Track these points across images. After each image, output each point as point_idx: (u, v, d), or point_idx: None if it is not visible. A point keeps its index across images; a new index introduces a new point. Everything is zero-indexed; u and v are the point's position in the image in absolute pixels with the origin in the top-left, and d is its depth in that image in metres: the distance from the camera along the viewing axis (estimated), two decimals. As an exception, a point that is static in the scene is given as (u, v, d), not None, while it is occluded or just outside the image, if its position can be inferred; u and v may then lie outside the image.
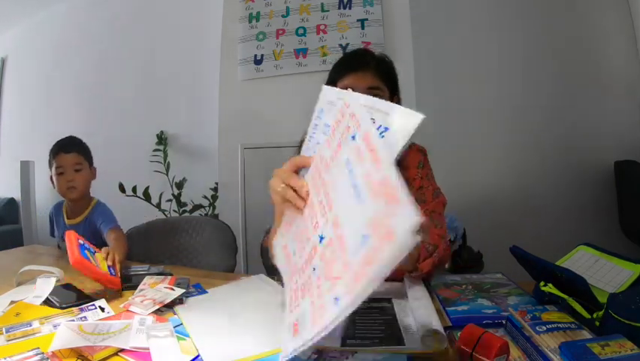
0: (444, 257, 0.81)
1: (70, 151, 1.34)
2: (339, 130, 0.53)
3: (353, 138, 0.48)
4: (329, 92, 0.60)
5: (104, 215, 1.33)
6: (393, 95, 0.95)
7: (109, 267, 0.95)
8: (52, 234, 1.50)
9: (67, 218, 1.42)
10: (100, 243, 1.35)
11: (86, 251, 0.92)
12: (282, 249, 0.61)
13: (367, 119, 0.48)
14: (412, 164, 0.94)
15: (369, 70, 0.91)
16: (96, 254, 0.96)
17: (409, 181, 0.94)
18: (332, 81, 0.94)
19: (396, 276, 0.90)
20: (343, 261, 0.42)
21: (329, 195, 0.50)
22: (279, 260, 0.62)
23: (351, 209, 0.44)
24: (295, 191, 0.58)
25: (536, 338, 0.55)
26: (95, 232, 1.35)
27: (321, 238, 0.49)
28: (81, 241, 0.94)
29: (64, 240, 1.40)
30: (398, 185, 0.39)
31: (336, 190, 0.48)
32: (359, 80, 0.89)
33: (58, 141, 1.40)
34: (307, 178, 0.58)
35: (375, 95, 0.89)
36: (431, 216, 0.88)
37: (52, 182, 1.39)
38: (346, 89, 0.88)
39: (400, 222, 0.37)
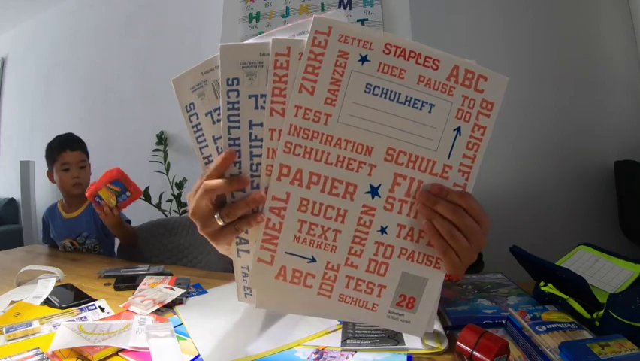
0: None
1: (76, 149, 1.40)
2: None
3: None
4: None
5: None
6: None
7: (99, 196, 1.19)
8: (45, 240, 1.52)
9: (66, 212, 1.45)
10: (102, 233, 1.40)
11: (110, 187, 1.19)
12: (279, 273, 0.45)
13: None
14: None
15: None
16: (108, 195, 1.19)
17: None
18: None
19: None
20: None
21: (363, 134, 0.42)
22: (279, 285, 0.46)
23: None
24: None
25: (536, 338, 0.55)
26: (97, 222, 1.39)
27: (375, 190, 0.43)
28: (114, 185, 1.19)
29: (60, 239, 1.43)
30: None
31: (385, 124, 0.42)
32: None
33: (59, 138, 1.44)
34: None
35: None
36: None
37: (52, 178, 1.42)
38: None
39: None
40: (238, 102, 0.44)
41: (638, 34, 1.82)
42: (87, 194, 1.21)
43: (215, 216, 0.45)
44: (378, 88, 0.41)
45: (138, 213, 1.80)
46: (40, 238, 1.57)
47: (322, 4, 1.88)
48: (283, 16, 1.92)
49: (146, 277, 0.95)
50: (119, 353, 0.60)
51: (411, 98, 0.41)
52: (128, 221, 1.45)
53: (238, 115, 0.44)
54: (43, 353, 0.58)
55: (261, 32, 1.58)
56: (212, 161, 0.47)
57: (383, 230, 0.44)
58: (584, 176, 1.84)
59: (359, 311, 0.46)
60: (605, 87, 1.85)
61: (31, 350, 0.59)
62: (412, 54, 0.41)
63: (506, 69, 1.65)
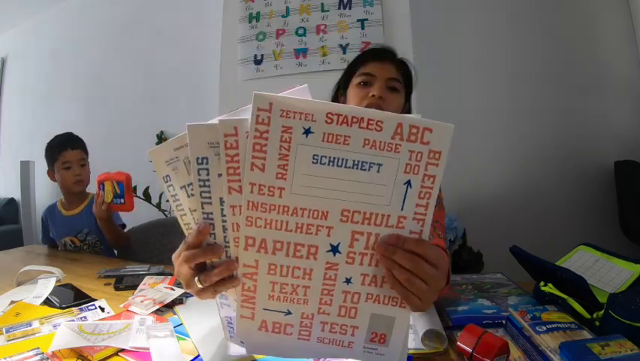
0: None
1: (76, 147, 1.43)
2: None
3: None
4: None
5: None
6: (406, 101, 0.94)
7: (102, 184, 1.27)
8: (45, 240, 1.52)
9: (66, 210, 1.47)
10: (101, 234, 1.41)
11: (114, 184, 1.27)
12: (261, 325, 0.49)
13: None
14: None
15: (393, 62, 0.90)
16: (109, 190, 1.27)
17: None
18: (353, 67, 0.93)
19: None
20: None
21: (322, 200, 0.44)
22: (263, 339, 0.50)
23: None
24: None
25: (536, 338, 0.55)
26: (92, 223, 1.41)
27: (336, 248, 0.45)
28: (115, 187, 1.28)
29: (60, 239, 1.42)
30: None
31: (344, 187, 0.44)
32: (382, 69, 0.88)
33: (59, 137, 1.46)
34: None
35: (392, 88, 0.87)
36: (434, 226, 0.84)
37: (53, 176, 1.44)
38: (368, 75, 0.87)
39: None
40: (209, 180, 0.46)
41: (638, 34, 1.82)
42: (97, 178, 1.29)
43: (195, 279, 0.49)
44: (325, 157, 0.42)
45: (138, 214, 1.79)
46: (40, 239, 1.57)
47: (322, 4, 1.88)
48: (283, 16, 1.92)
49: (146, 277, 0.95)
50: (119, 353, 0.60)
51: (358, 161, 0.42)
52: (123, 225, 1.47)
53: (209, 192, 0.47)
54: (43, 353, 0.58)
55: (261, 33, 1.57)
56: (191, 228, 0.50)
57: (348, 280, 0.47)
58: (584, 176, 1.84)
59: (337, 349, 0.50)
60: (605, 88, 1.85)
61: (31, 350, 0.59)
62: (355, 119, 0.41)
63: (506, 69, 1.65)
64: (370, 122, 0.41)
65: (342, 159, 0.42)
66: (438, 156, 0.43)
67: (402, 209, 0.44)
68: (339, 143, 0.42)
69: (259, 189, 0.43)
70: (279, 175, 0.43)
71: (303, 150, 0.42)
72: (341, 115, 0.41)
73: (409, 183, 0.43)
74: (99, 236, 1.43)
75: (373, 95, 0.84)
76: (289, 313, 0.49)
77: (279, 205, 0.44)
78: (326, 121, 0.41)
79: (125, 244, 1.43)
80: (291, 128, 0.42)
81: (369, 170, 0.43)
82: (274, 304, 0.48)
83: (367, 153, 0.42)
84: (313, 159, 0.42)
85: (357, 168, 0.43)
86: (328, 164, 0.42)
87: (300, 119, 0.41)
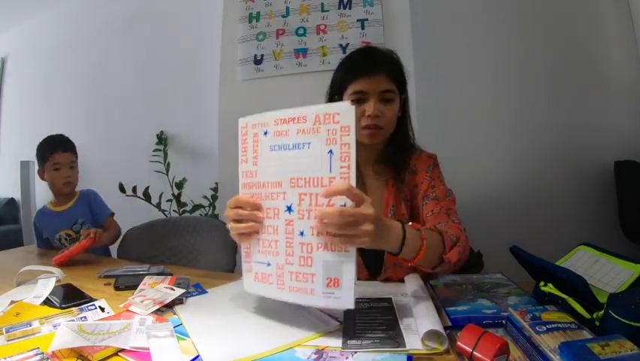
0: (467, 246, 0.79)
1: (67, 150, 1.47)
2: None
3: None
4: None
5: (100, 206, 1.53)
6: (402, 94, 0.94)
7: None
8: (39, 244, 1.53)
9: (57, 207, 1.50)
10: (94, 225, 1.45)
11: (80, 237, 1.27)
12: (255, 277, 0.71)
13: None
14: (422, 169, 0.96)
15: (382, 73, 0.89)
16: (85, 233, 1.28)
17: (417, 185, 0.96)
18: (340, 85, 0.92)
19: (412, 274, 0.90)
20: None
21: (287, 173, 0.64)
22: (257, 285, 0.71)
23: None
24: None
25: (536, 338, 0.55)
26: (92, 209, 1.49)
27: (289, 208, 0.64)
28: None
29: (56, 232, 1.45)
30: None
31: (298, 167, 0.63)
32: (373, 84, 0.88)
33: (50, 139, 1.49)
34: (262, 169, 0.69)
35: (387, 99, 0.90)
36: (447, 213, 0.89)
37: (43, 176, 1.48)
38: (359, 93, 0.90)
39: None
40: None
41: (638, 34, 1.82)
42: (63, 261, 1.17)
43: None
44: (277, 145, 0.66)
45: (138, 213, 1.80)
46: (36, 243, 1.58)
47: (322, 4, 1.88)
48: (283, 16, 1.92)
49: (146, 277, 0.95)
50: (119, 353, 0.60)
51: (296, 144, 0.64)
52: (112, 214, 1.52)
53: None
54: (43, 353, 0.58)
55: (261, 33, 1.62)
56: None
57: (302, 233, 0.63)
58: (584, 176, 1.84)
59: (304, 297, 0.64)
60: (605, 87, 1.85)
61: (31, 350, 0.59)
62: (290, 119, 0.65)
63: (506, 69, 1.65)
64: (299, 118, 0.64)
65: (286, 145, 0.65)
66: (348, 129, 0.60)
67: (330, 171, 0.61)
68: (283, 135, 0.66)
69: (245, 174, 0.71)
70: (254, 162, 0.70)
71: (264, 144, 0.68)
72: (282, 119, 0.66)
73: (331, 152, 0.60)
74: (94, 226, 1.44)
75: (369, 115, 0.88)
76: (269, 265, 0.67)
77: (256, 182, 0.69)
78: (275, 123, 0.66)
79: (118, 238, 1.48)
80: (257, 134, 0.69)
81: (303, 148, 0.63)
82: (260, 257, 0.69)
83: (300, 137, 0.63)
84: (270, 148, 0.67)
85: (295, 148, 0.64)
86: (279, 149, 0.66)
87: (262, 127, 0.69)
